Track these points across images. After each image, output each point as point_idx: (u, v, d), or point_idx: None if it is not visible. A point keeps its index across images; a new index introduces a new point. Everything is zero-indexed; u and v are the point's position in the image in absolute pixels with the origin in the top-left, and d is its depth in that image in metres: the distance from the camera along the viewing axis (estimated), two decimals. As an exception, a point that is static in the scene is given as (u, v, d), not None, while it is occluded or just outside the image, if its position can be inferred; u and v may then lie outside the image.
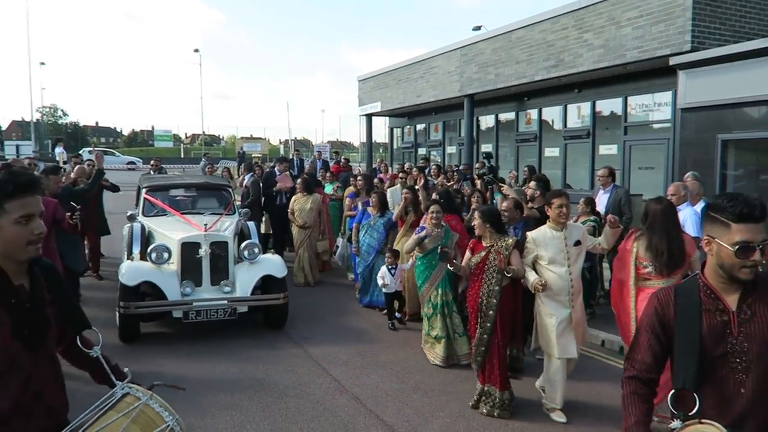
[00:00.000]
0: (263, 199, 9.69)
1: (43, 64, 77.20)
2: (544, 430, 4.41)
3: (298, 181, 8.85)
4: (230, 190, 8.14)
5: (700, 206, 5.76)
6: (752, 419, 1.99)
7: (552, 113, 13.75)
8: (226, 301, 6.07)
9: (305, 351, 5.86)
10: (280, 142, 49.46)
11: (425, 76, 16.40)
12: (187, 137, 75.46)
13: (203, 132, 60.15)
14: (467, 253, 4.88)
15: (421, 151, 19.00)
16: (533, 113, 14.19)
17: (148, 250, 6.24)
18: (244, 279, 6.26)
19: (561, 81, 12.24)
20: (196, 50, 53.67)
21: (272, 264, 6.43)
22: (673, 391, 2.00)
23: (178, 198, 7.72)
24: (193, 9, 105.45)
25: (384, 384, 5.06)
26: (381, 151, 30.59)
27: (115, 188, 9.05)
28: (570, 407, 4.63)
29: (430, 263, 5.62)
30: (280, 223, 9.41)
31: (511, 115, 14.96)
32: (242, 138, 57.72)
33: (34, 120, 48.52)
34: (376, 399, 4.76)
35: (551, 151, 13.62)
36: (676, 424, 1.90)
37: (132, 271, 6.02)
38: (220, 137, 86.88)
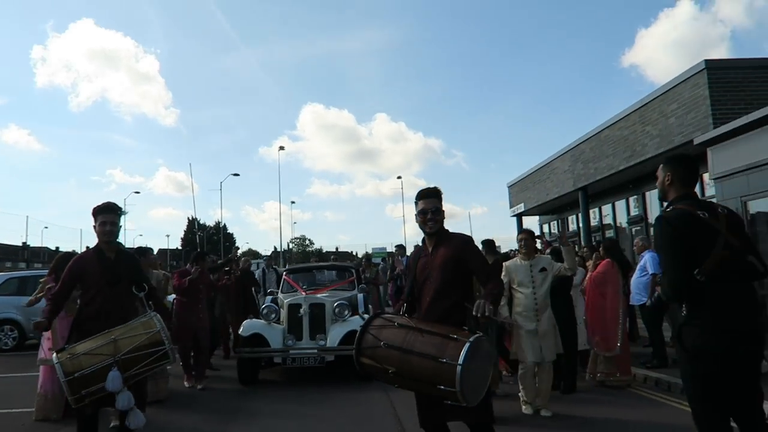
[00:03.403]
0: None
1: (293, 202, 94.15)
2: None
3: None
4: (352, 270, 10.37)
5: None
6: (429, 312, 3.42)
7: (654, 197, 15.07)
8: (316, 351, 7.29)
9: (387, 396, 6.58)
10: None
11: (550, 177, 18.84)
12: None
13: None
14: None
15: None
16: (639, 198, 15.61)
17: (261, 308, 7.79)
18: (334, 334, 7.41)
19: (647, 169, 13.82)
20: (399, 177, 61.67)
21: (359, 322, 8.12)
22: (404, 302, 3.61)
23: (316, 279, 10.47)
24: (414, 140, 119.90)
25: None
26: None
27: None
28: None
29: None
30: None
31: (622, 203, 16.49)
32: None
33: (285, 248, 60.50)
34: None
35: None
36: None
37: (248, 326, 7.59)
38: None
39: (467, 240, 3.51)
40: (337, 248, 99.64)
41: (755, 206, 9.73)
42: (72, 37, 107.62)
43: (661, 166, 3.28)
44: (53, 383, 5.86)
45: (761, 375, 3.00)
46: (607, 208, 17.54)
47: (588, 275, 7.57)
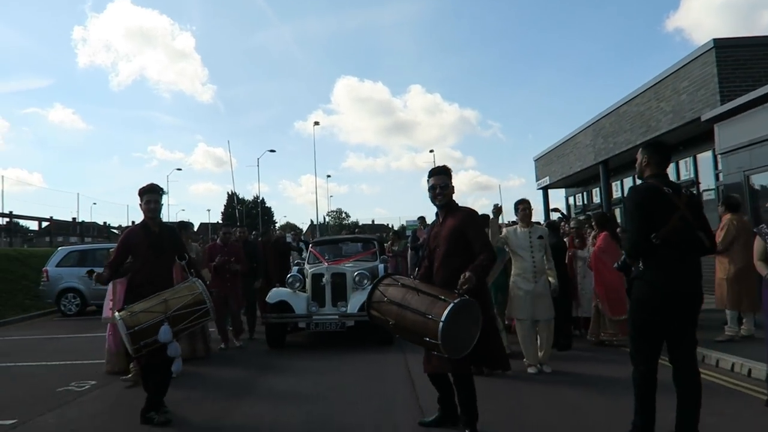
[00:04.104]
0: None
1: (329, 176, 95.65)
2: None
3: None
4: (375, 242, 10.93)
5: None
6: (438, 276, 3.96)
7: (672, 172, 15.37)
8: (337, 316, 7.84)
9: (404, 357, 7.16)
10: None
11: (573, 151, 19.23)
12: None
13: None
14: None
15: (589, 213, 21.20)
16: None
17: (287, 278, 8.40)
18: (355, 301, 7.87)
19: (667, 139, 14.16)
20: (431, 150, 62.26)
21: None
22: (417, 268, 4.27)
23: (342, 251, 11.14)
24: (450, 112, 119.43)
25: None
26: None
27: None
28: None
29: None
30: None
31: (642, 175, 16.82)
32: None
33: (321, 222, 62.00)
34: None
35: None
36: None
37: (274, 294, 8.20)
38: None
39: (470, 213, 4.04)
40: (373, 221, 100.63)
41: (757, 180, 10.17)
42: (110, 17, 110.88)
43: (640, 150, 3.95)
44: (116, 339, 6.92)
45: (697, 325, 3.72)
46: (629, 182, 17.89)
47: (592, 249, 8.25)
